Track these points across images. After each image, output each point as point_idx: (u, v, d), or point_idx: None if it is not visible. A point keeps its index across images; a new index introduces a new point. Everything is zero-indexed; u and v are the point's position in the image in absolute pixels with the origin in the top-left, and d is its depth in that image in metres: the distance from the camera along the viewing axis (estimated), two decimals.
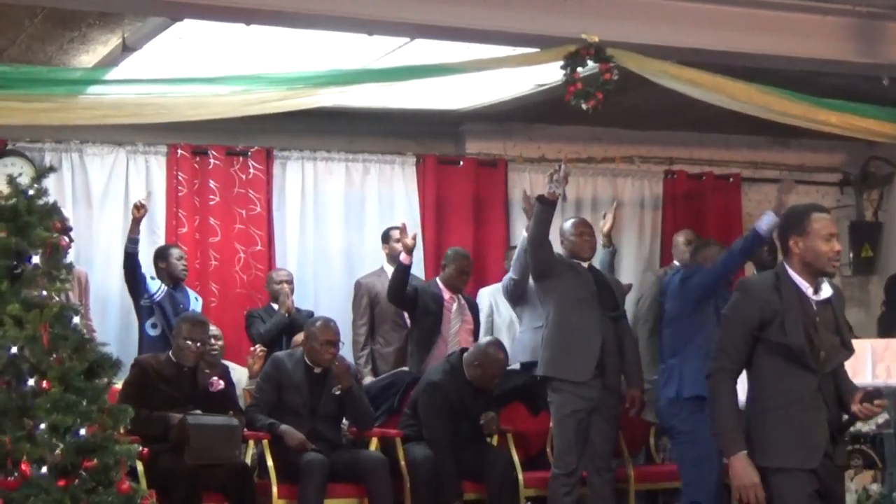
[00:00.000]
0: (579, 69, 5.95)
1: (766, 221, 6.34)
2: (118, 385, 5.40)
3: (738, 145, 9.49)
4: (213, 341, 6.85)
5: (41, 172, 5.09)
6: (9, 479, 4.44)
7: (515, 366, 7.61)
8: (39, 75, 6.50)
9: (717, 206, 9.43)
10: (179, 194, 8.41)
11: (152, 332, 7.39)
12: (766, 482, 4.34)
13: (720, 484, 6.20)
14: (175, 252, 7.73)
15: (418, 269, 8.11)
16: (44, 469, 4.45)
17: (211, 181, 8.52)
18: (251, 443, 6.44)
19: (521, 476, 6.85)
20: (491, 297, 8.17)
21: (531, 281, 7.10)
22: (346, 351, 7.46)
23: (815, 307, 4.37)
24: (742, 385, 4.51)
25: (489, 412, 6.96)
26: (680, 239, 7.79)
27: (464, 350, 7.04)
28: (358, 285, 8.01)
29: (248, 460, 6.35)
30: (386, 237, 8.03)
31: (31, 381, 4.56)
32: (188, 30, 6.21)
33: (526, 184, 8.82)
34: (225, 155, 8.54)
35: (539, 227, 6.74)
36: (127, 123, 7.00)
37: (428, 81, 6.50)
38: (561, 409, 6.72)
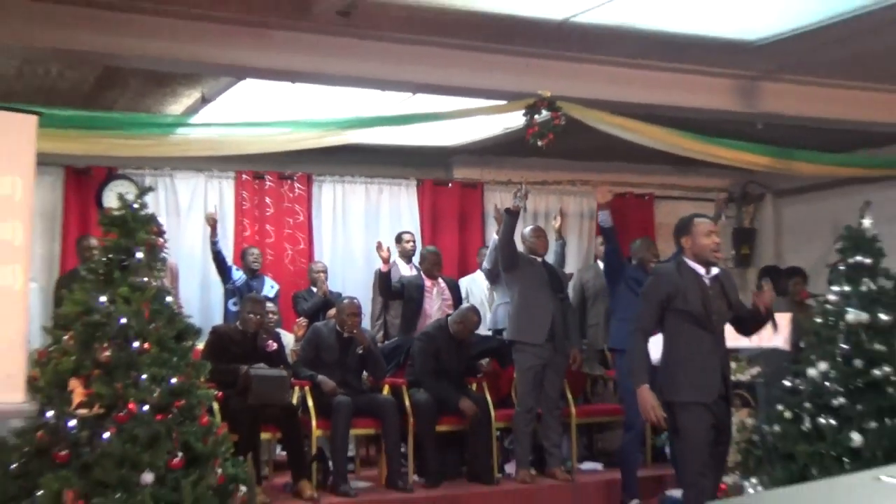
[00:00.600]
0: (536, 116, 5.95)
1: (603, 219, 6.71)
2: (200, 346, 5.43)
3: (652, 172, 9.45)
4: (269, 315, 6.87)
5: (142, 191, 5.09)
6: (120, 414, 4.46)
7: (489, 332, 7.70)
8: (141, 120, 6.52)
9: (636, 217, 9.40)
10: (244, 208, 8.42)
11: (233, 308, 7.42)
12: (675, 414, 4.42)
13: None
14: (252, 251, 7.83)
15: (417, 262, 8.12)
16: (145, 408, 4.46)
17: (267, 198, 8.53)
18: (296, 389, 6.43)
19: (493, 412, 6.86)
20: (467, 284, 8.19)
21: (501, 270, 7.13)
22: (366, 321, 7.55)
23: (707, 283, 4.45)
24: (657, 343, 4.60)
25: (486, 359, 7.26)
26: (599, 240, 7.76)
27: (449, 315, 7.10)
28: (378, 275, 8.00)
29: (294, 401, 6.35)
30: (398, 239, 8.08)
31: (135, 344, 4.58)
32: (249, 86, 6.23)
33: (497, 200, 8.83)
34: (277, 179, 8.54)
35: (506, 232, 6.78)
36: (205, 155, 6.97)
37: (425, 125, 6.53)
38: (522, 365, 6.76)
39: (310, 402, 6.41)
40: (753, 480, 5.28)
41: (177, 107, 6.97)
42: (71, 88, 6.42)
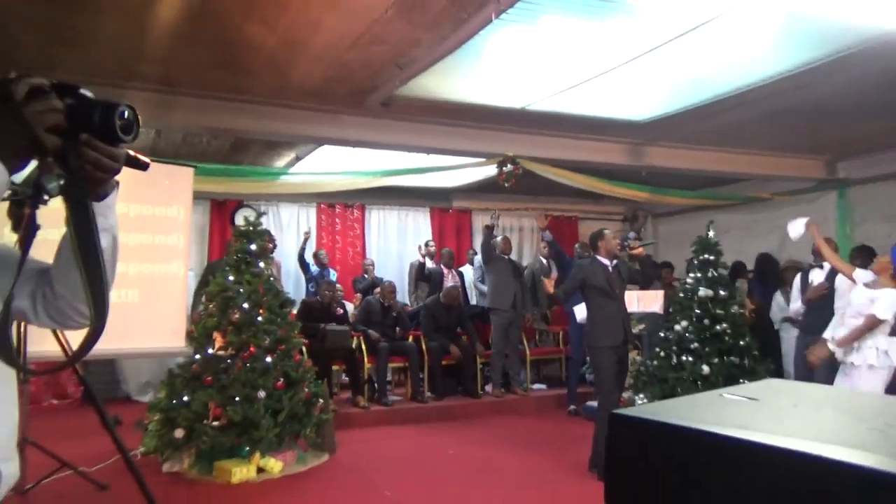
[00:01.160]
0: (504, 168, 5.93)
1: (545, 235, 6.79)
2: (294, 311, 5.44)
3: (577, 202, 9.38)
4: (337, 292, 6.86)
5: (259, 215, 5.11)
6: (245, 354, 4.46)
7: (476, 302, 7.66)
8: (259, 171, 6.56)
9: (567, 232, 9.37)
10: (322, 225, 8.40)
11: (311, 289, 7.39)
12: (594, 354, 4.42)
13: (582, 351, 6.14)
14: (322, 253, 7.81)
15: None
16: (260, 350, 4.48)
17: (336, 219, 8.50)
18: (354, 338, 6.43)
19: (478, 352, 6.86)
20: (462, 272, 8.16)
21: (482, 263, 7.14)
22: (400, 296, 7.49)
23: (610, 270, 4.42)
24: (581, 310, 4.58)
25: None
26: (542, 233, 7.68)
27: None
28: (410, 266, 8.06)
29: (353, 346, 6.36)
30: (427, 244, 8.06)
31: (254, 310, 4.58)
32: (326, 150, 6.24)
33: (480, 221, 8.84)
34: (343, 207, 8.50)
35: (486, 240, 6.80)
36: (299, 192, 6.99)
37: (435, 174, 6.53)
38: (496, 322, 6.77)
39: (363, 346, 6.42)
40: (641, 396, 5.27)
41: (280, 162, 6.98)
42: (215, 151, 6.44)
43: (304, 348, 5.25)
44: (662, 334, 5.34)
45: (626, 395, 5.11)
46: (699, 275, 5.25)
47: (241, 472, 4.14)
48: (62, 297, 1.06)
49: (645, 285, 5.55)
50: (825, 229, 5.37)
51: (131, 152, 1.00)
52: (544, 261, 7.64)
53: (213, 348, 4.45)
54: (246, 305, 4.52)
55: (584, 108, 5.19)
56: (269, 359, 4.44)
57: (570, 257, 6.89)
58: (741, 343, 5.01)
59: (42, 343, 3.29)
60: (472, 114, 5.39)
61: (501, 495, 3.97)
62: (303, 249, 7.54)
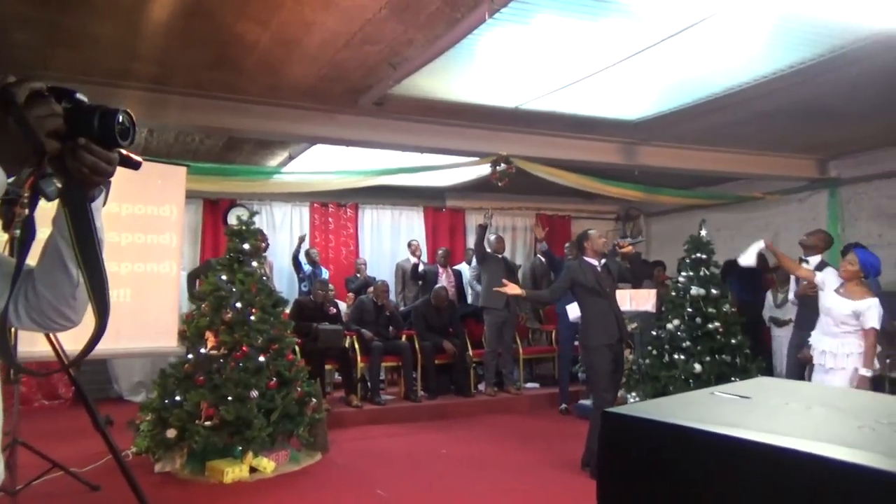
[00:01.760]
0: (497, 167, 5.92)
1: (541, 245, 6.76)
2: (287, 311, 5.42)
3: (569, 201, 9.39)
4: (329, 292, 6.85)
5: (252, 214, 5.10)
6: (237, 353, 4.45)
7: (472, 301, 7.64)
8: (252, 170, 6.51)
9: (560, 230, 9.39)
10: (315, 224, 8.36)
11: (304, 288, 7.36)
12: (588, 353, 4.38)
13: (572, 349, 6.26)
14: (314, 251, 7.75)
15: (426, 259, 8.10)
16: (253, 350, 4.46)
17: (330, 218, 8.46)
18: (348, 338, 6.43)
19: (470, 351, 6.86)
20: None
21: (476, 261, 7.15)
22: (391, 296, 7.48)
23: (599, 270, 4.43)
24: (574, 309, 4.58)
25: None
26: (539, 244, 7.71)
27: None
28: (397, 266, 7.98)
29: (346, 345, 6.35)
30: (409, 245, 8.00)
31: (247, 309, 4.56)
32: (320, 149, 6.20)
33: (473, 220, 8.79)
34: (336, 206, 8.47)
35: (479, 239, 6.80)
36: (292, 192, 6.96)
37: (429, 173, 6.51)
38: (489, 321, 6.79)
39: (356, 346, 6.41)
40: (633, 394, 5.29)
41: (273, 161, 6.95)
42: (208, 150, 6.41)
43: (296, 347, 5.23)
44: (654, 333, 5.36)
45: (619, 393, 5.13)
46: (691, 273, 5.27)
47: (234, 472, 4.13)
48: (44, 298, 1.06)
49: (635, 283, 5.57)
50: (817, 228, 5.41)
51: (124, 151, 1.00)
52: (542, 259, 7.66)
53: (206, 348, 4.43)
54: (238, 305, 4.50)
55: (578, 107, 5.19)
56: (261, 358, 4.42)
57: (561, 258, 6.94)
58: (733, 341, 5.03)
59: (33, 344, 3.27)
60: (465, 113, 5.39)
61: (494, 493, 3.98)
62: (297, 252, 7.51)
